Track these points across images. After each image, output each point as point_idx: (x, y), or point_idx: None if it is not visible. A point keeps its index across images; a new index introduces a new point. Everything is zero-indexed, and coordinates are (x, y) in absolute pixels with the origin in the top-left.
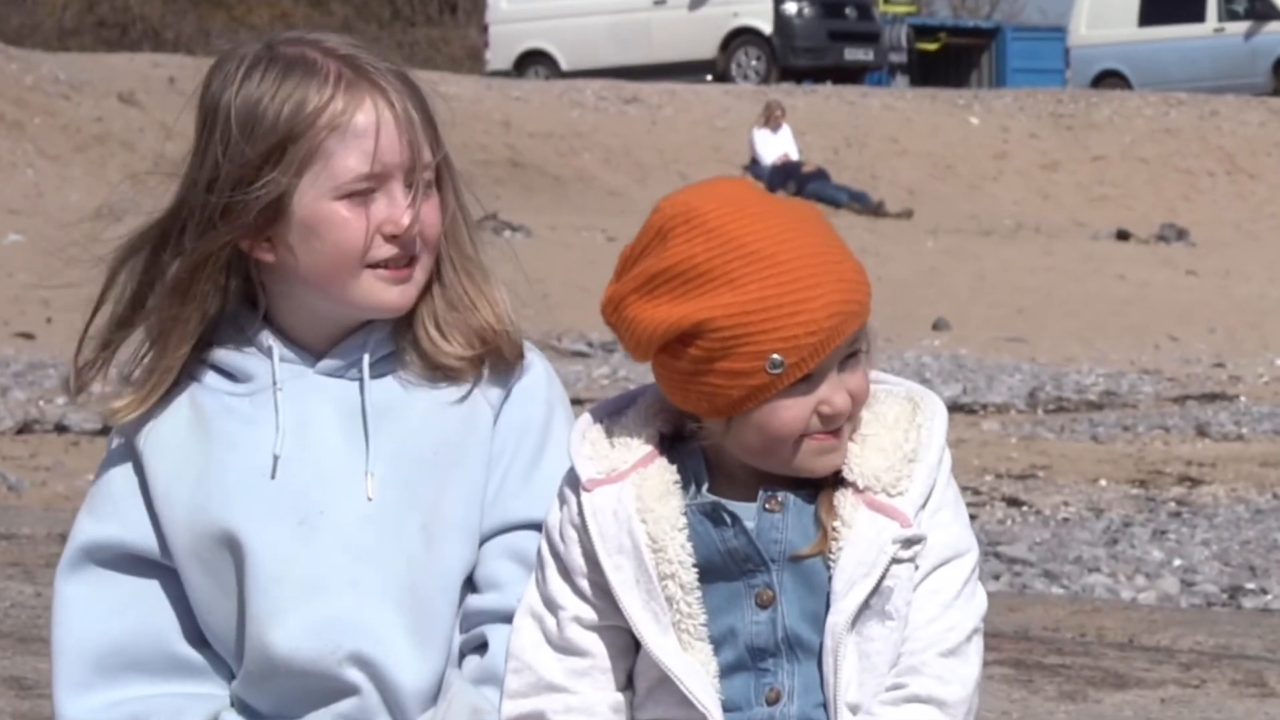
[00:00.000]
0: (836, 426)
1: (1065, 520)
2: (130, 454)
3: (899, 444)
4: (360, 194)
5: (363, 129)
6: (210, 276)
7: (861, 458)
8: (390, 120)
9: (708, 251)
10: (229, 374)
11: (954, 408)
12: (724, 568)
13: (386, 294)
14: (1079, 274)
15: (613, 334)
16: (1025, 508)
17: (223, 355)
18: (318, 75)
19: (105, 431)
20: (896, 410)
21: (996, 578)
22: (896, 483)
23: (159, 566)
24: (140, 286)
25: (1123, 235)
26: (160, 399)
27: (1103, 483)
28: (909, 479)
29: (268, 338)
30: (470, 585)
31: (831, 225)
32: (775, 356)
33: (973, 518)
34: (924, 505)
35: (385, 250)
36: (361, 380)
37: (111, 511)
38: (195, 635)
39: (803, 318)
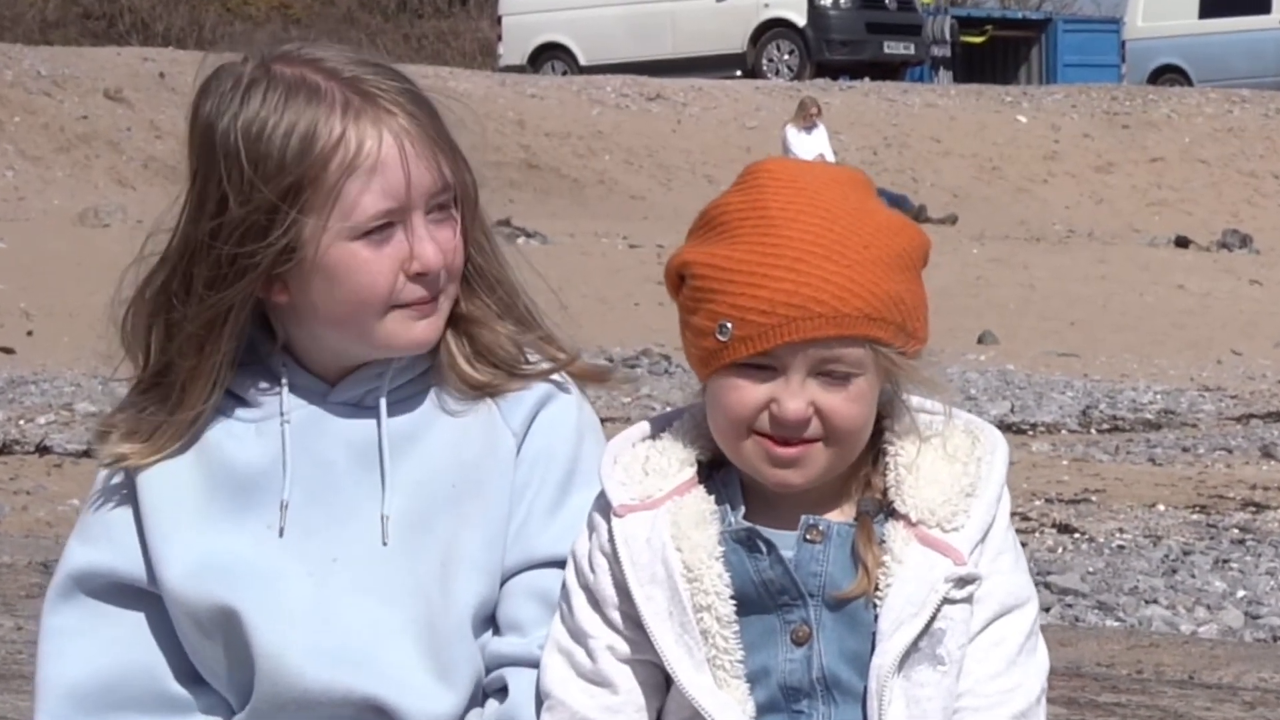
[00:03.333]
0: (787, 436)
1: (1120, 548)
2: (125, 475)
3: (956, 477)
4: (379, 230)
5: (377, 164)
6: (230, 330)
7: (915, 489)
8: (406, 150)
9: (737, 204)
10: (238, 397)
11: (1001, 427)
12: (758, 600)
13: (412, 332)
14: (1135, 284)
15: (633, 349)
16: (1077, 535)
17: (233, 377)
18: (323, 102)
19: (91, 454)
20: (955, 442)
21: (1047, 610)
22: (952, 517)
23: (152, 597)
24: (164, 351)
25: (1182, 242)
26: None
27: (1161, 508)
28: (965, 514)
29: (279, 364)
30: (494, 623)
31: (904, 245)
32: (726, 323)
33: (1021, 545)
34: (981, 542)
35: (411, 290)
36: (379, 415)
37: (104, 536)
38: (188, 671)
39: (763, 294)
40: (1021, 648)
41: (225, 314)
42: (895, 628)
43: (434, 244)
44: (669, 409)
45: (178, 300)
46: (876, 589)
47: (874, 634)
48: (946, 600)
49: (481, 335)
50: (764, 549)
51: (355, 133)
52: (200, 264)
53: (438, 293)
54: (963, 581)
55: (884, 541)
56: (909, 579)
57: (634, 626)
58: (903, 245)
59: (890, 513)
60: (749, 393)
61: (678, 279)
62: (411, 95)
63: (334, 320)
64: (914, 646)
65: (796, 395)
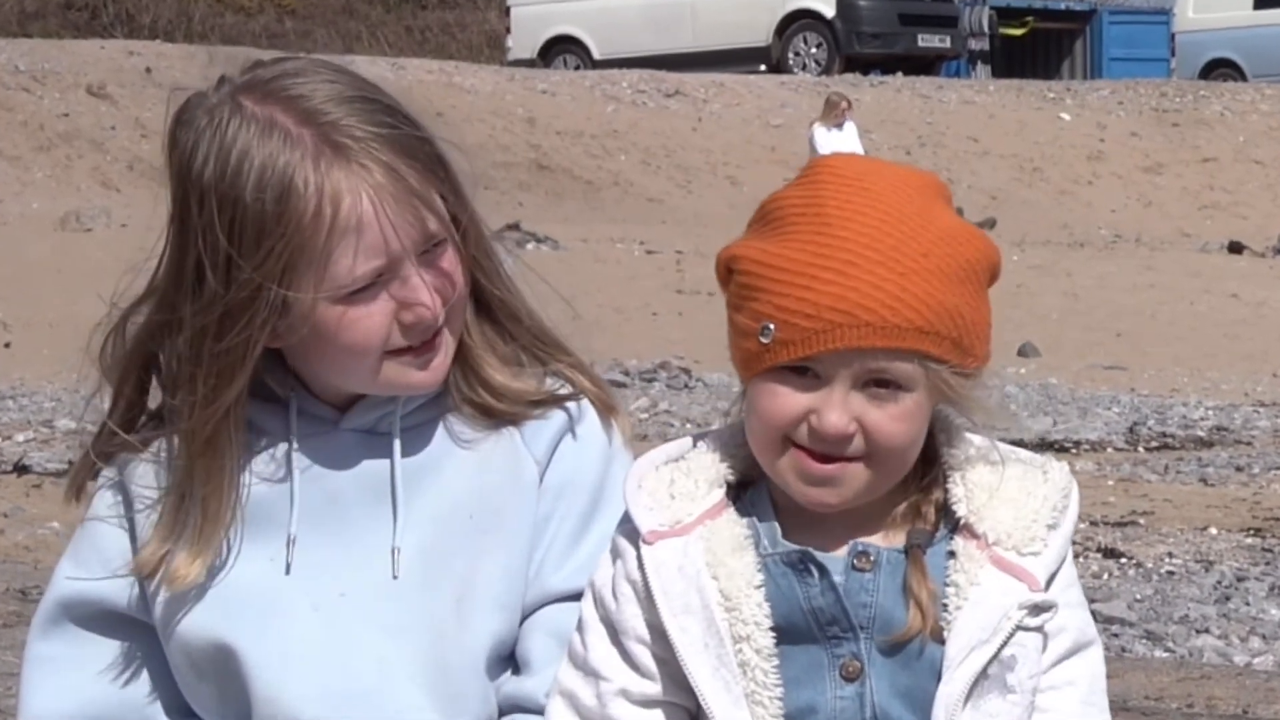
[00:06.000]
0: (827, 451)
1: (1170, 574)
2: (121, 495)
3: (1037, 508)
4: (366, 288)
5: (357, 225)
6: (237, 426)
7: (989, 508)
8: (383, 208)
9: (795, 199)
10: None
11: (1043, 445)
12: (805, 630)
13: (412, 376)
14: (1186, 292)
15: (651, 363)
16: (1124, 559)
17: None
18: (293, 161)
19: None
20: (1021, 469)
21: None
22: (1030, 541)
23: (145, 626)
24: (136, 395)
25: (1236, 248)
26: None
27: (1213, 531)
28: (1043, 542)
29: (288, 389)
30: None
31: (967, 256)
32: (769, 324)
33: None
34: (1055, 572)
35: (405, 338)
36: (392, 444)
37: (96, 559)
38: (180, 706)
39: (810, 296)
40: (1093, 689)
41: (228, 410)
42: (965, 654)
43: (428, 290)
44: (689, 426)
45: (173, 381)
46: (945, 609)
47: (935, 663)
48: (1020, 627)
49: (492, 377)
50: (816, 574)
51: (330, 188)
52: (192, 355)
53: (435, 335)
54: (1037, 609)
55: (954, 557)
56: (981, 603)
57: (661, 663)
58: (967, 256)
59: (955, 528)
60: (788, 401)
61: (725, 272)
62: (392, 141)
63: (329, 367)
64: (983, 674)
65: (838, 408)
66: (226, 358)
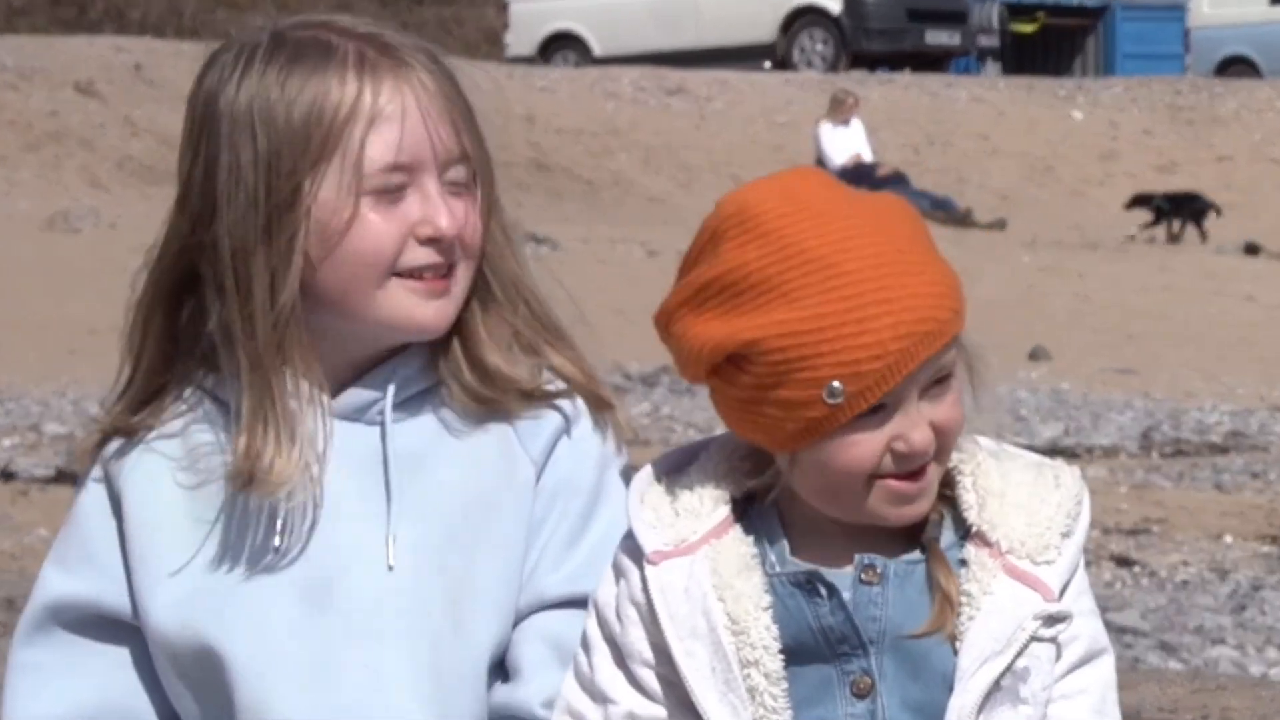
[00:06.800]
0: (915, 468)
1: (1184, 583)
2: (110, 492)
3: (1050, 515)
4: (389, 191)
5: (390, 114)
6: (300, 325)
7: (1003, 515)
8: (423, 103)
9: (761, 258)
10: (229, 405)
11: (1054, 451)
12: (815, 649)
13: (419, 309)
14: (1200, 294)
15: (653, 366)
16: (1138, 568)
17: (220, 383)
18: (335, 58)
19: (59, 479)
20: (1033, 474)
21: None
22: (1044, 550)
23: (136, 631)
24: (161, 354)
25: (1251, 249)
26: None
27: (1228, 539)
28: (1057, 550)
29: None
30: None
31: (919, 222)
32: (834, 384)
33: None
34: (1068, 581)
35: (420, 255)
36: (383, 424)
37: (85, 561)
38: (169, 712)
39: (866, 339)
40: (1105, 699)
41: (289, 318)
42: (978, 665)
43: (448, 209)
44: (691, 431)
45: (224, 302)
46: (958, 618)
47: (947, 675)
48: (1034, 638)
49: (486, 357)
50: (825, 593)
51: (370, 83)
52: (241, 268)
53: (451, 264)
54: (1052, 620)
55: (966, 565)
56: (995, 613)
57: (664, 685)
58: (920, 226)
59: (966, 535)
60: (869, 442)
61: (726, 362)
62: (434, 56)
63: (333, 289)
64: (995, 685)
65: (918, 424)
66: (277, 259)
